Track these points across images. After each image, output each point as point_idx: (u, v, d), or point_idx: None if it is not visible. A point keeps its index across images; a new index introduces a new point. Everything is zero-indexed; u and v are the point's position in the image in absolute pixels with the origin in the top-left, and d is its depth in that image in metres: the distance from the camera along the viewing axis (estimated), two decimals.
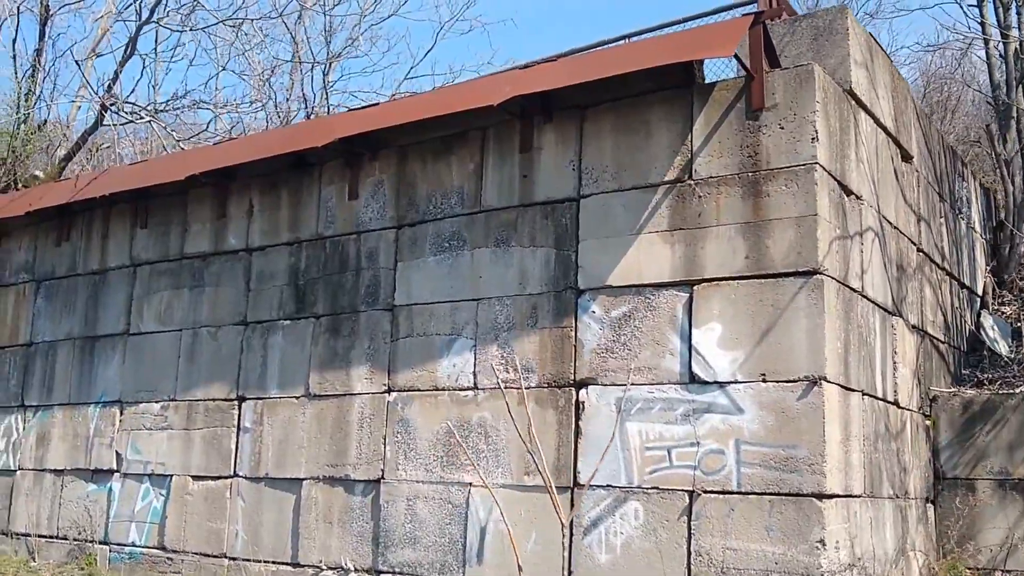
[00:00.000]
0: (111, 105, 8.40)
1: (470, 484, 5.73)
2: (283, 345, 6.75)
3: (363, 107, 6.63)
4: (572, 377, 5.50)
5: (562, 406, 5.50)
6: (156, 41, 8.60)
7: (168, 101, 8.62)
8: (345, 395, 6.37)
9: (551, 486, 5.36)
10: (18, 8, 10.44)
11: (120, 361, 7.69)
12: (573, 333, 5.54)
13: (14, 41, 10.70)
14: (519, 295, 5.76)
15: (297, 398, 6.59)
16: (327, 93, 14.84)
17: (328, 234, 6.69)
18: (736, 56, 5.07)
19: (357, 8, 12.26)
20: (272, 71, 13.69)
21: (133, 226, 7.86)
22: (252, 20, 10.79)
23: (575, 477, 5.39)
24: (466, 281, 6.00)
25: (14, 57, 10.85)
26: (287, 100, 15.06)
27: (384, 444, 6.12)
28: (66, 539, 7.69)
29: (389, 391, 6.18)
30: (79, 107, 13.25)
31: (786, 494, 4.73)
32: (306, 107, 14.52)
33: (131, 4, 13.74)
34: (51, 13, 12.86)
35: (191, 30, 8.56)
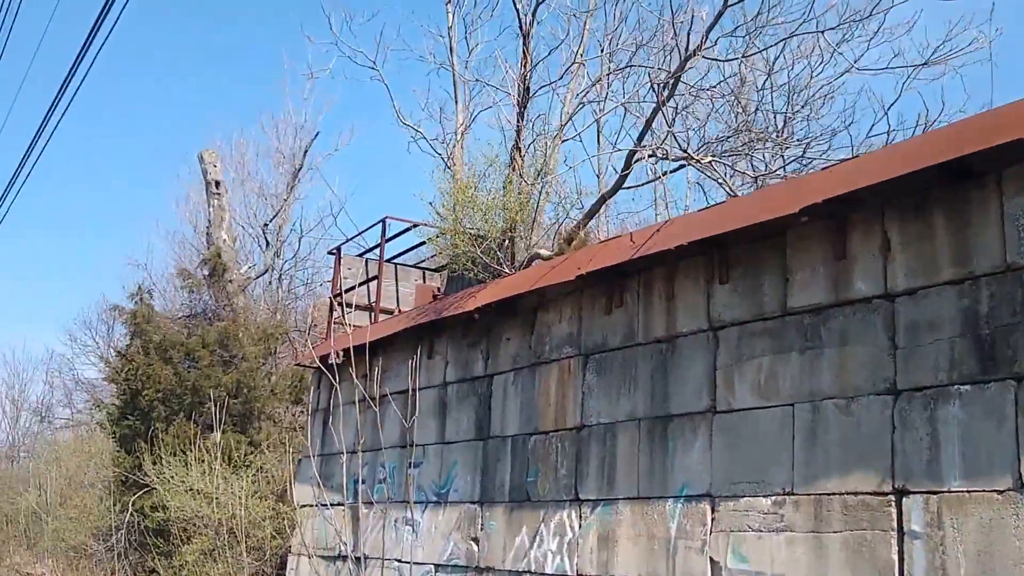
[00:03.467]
0: (653, 154, 7.34)
1: None
2: (963, 418, 4.92)
3: None
4: None
5: None
6: (704, 76, 7.56)
7: (728, 138, 7.39)
8: None
9: None
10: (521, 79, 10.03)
11: (705, 445, 6.32)
12: None
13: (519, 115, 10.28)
14: None
15: (1000, 492, 4.69)
16: (784, 163, 13.16)
17: (1022, 263, 4.84)
18: None
19: (807, 69, 10.37)
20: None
21: (708, 282, 6.56)
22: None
23: None
24: None
25: (515, 131, 10.45)
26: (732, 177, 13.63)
27: None
28: None
29: None
30: (546, 197, 12.68)
31: None
32: (755, 182, 12.92)
33: (594, 84, 13.28)
34: (532, 94, 12.61)
35: (745, 56, 7.28)
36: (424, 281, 12.90)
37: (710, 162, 7.04)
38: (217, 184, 17.22)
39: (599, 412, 7.27)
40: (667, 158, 7.45)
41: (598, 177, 16.17)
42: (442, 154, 16.08)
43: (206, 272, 16.10)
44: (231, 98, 48.55)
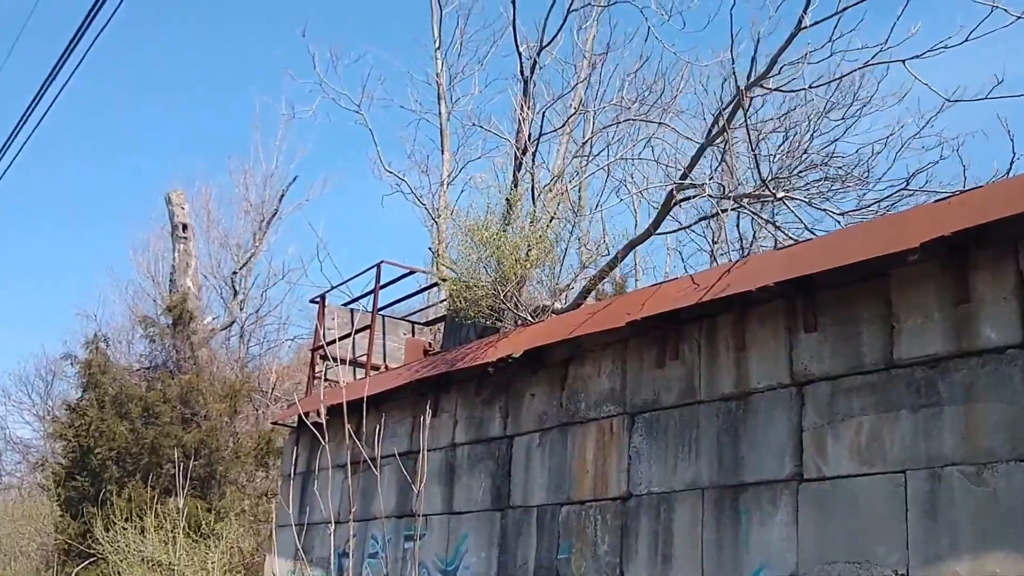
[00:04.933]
0: (704, 191, 6.60)
1: None
2: None
3: None
4: None
5: None
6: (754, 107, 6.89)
7: (799, 172, 6.67)
8: None
9: None
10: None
11: (788, 518, 5.47)
12: None
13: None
14: None
15: None
16: (776, 226, 12.60)
17: None
18: None
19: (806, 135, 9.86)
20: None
21: (791, 330, 5.78)
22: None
23: None
24: None
25: (528, 174, 9.69)
26: (715, 242, 13.09)
27: None
28: None
29: None
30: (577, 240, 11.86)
31: None
32: (742, 250, 12.33)
33: (582, 145, 12.69)
34: (534, 140, 11.95)
35: (812, 87, 6.61)
36: (413, 335, 11.99)
37: (783, 198, 6.32)
38: (184, 227, 16.14)
39: (651, 480, 6.38)
40: (724, 196, 6.73)
41: (579, 241, 15.46)
42: (427, 204, 15.29)
43: (169, 321, 14.94)
44: (194, 145, 47.36)
